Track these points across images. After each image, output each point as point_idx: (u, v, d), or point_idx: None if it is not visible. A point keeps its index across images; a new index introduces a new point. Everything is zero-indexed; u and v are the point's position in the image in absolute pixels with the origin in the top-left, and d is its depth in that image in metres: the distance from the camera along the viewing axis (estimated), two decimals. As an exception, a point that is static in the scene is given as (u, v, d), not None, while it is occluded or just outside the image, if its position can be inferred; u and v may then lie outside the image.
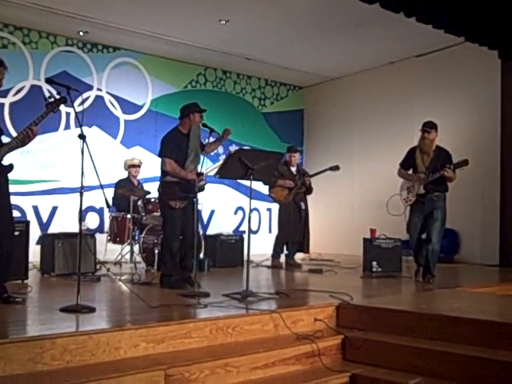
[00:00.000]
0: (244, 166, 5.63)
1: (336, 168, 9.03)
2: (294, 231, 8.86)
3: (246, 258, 5.81)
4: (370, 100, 12.00)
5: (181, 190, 6.20)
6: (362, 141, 12.07)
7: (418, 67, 11.08)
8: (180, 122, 6.53)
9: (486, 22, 7.29)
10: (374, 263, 7.93)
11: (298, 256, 9.42)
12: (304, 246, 9.01)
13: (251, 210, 5.87)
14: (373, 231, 8.36)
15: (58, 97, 4.99)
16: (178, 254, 6.26)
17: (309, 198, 9.22)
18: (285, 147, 9.56)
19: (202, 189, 6.41)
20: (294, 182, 8.85)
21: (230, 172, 5.89)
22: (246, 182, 6.03)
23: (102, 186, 4.92)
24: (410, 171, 7.42)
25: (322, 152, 12.44)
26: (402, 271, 7.96)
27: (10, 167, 5.02)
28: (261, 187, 9.56)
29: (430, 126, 7.18)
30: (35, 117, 4.96)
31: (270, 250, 9.09)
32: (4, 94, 9.24)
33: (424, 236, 7.19)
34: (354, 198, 11.87)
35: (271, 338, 4.74)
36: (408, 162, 7.49)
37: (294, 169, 9.08)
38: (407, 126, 11.25)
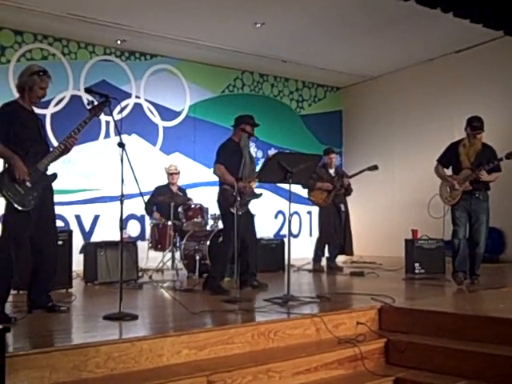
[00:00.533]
0: (283, 170, 5.64)
1: (374, 168, 8.98)
2: (334, 234, 8.85)
3: (286, 262, 5.83)
4: (409, 98, 11.92)
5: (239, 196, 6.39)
6: (402, 140, 11.98)
7: (457, 63, 10.97)
8: (233, 132, 6.81)
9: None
10: (417, 265, 7.87)
11: (340, 259, 9.39)
12: (345, 249, 8.99)
13: (291, 214, 5.89)
14: (415, 232, 8.30)
15: (100, 100, 5.06)
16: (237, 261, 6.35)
17: (349, 199, 9.20)
18: (323, 149, 9.54)
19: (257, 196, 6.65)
20: (333, 184, 8.84)
21: (270, 176, 5.92)
22: (286, 186, 6.05)
23: (142, 194, 4.99)
24: (449, 170, 7.20)
25: (362, 153, 12.38)
26: (445, 272, 7.86)
27: (54, 176, 5.13)
28: (300, 190, 9.55)
29: (481, 127, 6.90)
30: (78, 123, 5.06)
31: (310, 254, 9.09)
32: (45, 105, 9.44)
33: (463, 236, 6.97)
34: (395, 198, 11.78)
35: (313, 342, 4.73)
36: (448, 158, 7.16)
37: (332, 171, 9.07)
38: (447, 124, 11.14)
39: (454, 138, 10.92)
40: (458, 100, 11.00)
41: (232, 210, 6.22)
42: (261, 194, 6.76)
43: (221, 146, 6.73)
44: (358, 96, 13.00)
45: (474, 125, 6.81)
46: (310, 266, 8.93)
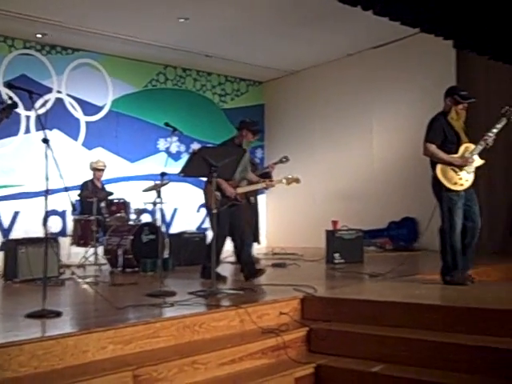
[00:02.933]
0: (207, 164, 5.64)
1: (286, 159, 8.86)
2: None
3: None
4: (329, 92, 12.11)
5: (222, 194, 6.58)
6: (323, 133, 12.17)
7: (376, 58, 11.23)
8: (236, 134, 6.93)
9: (440, 12, 7.41)
10: (337, 255, 8.04)
11: (262, 250, 9.46)
12: (256, 238, 8.96)
13: (214, 207, 5.90)
14: (335, 223, 8.46)
15: (9, 102, 4.89)
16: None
17: (271, 192, 9.25)
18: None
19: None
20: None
21: (194, 170, 5.91)
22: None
23: (67, 189, 4.90)
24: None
25: (283, 146, 12.49)
26: (363, 261, 8.06)
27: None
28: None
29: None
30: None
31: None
32: (-39, 99, 9.13)
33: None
34: (316, 190, 11.96)
35: (238, 333, 4.77)
36: (442, 135, 5.97)
37: None
38: (367, 116, 11.43)
39: (372, 131, 11.32)
40: (377, 95, 11.27)
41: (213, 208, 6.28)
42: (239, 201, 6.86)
43: (222, 143, 6.98)
44: (280, 90, 13.13)
45: (463, 94, 6.01)
46: (233, 259, 8.94)
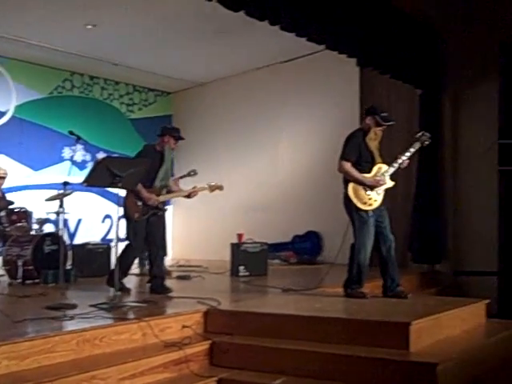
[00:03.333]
0: (111, 174, 5.55)
1: (194, 173, 8.83)
2: None
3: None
4: (238, 105, 12.17)
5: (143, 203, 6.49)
6: (230, 146, 12.20)
7: (284, 73, 11.37)
8: (158, 141, 6.83)
9: (344, 30, 7.63)
10: (241, 267, 8.09)
11: (165, 263, 9.35)
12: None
13: (119, 218, 5.83)
14: (240, 236, 8.50)
15: None
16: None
17: (177, 203, 9.19)
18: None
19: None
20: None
21: (98, 180, 5.78)
22: (114, 190, 5.97)
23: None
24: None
25: (191, 158, 12.43)
26: (267, 274, 8.14)
27: None
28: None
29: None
30: None
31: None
32: None
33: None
34: (223, 203, 11.92)
35: (139, 347, 4.71)
36: (357, 154, 6.08)
37: None
38: (274, 130, 11.56)
39: (278, 145, 11.46)
40: (284, 109, 11.42)
41: (134, 216, 6.36)
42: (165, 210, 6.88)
43: (141, 151, 6.78)
44: (188, 101, 13.09)
45: (384, 115, 6.13)
46: (138, 271, 8.82)
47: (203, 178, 9.14)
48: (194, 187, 6.96)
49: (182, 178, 8.77)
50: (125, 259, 6.43)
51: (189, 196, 6.90)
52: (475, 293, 7.96)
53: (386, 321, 4.88)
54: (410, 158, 6.28)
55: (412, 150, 6.24)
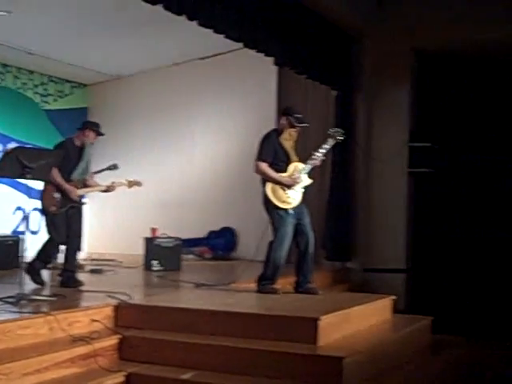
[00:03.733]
0: (21, 165, 5.38)
1: (114, 167, 8.65)
2: None
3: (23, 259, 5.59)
4: (156, 100, 12.01)
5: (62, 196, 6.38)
6: (147, 140, 12.04)
7: (202, 70, 11.30)
8: (76, 134, 6.71)
9: (262, 29, 7.66)
10: (155, 262, 8.02)
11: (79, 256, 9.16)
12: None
13: (32, 210, 5.71)
14: (154, 230, 8.42)
15: None
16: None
17: (91, 197, 9.00)
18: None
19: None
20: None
21: (6, 170, 5.59)
22: (27, 181, 5.80)
23: None
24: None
25: (108, 151, 12.18)
26: (180, 269, 8.10)
27: None
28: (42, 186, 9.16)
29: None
30: None
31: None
32: None
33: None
34: (139, 197, 11.76)
35: (46, 341, 4.57)
36: (273, 154, 6.13)
37: None
38: (191, 126, 11.50)
39: (195, 141, 11.41)
40: (202, 106, 11.37)
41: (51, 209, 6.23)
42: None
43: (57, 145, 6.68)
44: (106, 94, 12.84)
45: (298, 117, 6.18)
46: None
47: (119, 173, 9.02)
48: (113, 182, 6.86)
49: (101, 171, 8.53)
50: (45, 252, 6.35)
51: (107, 190, 6.82)
52: (384, 289, 8.15)
53: (295, 316, 4.94)
54: (325, 155, 6.36)
55: (326, 146, 6.33)
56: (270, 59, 8.47)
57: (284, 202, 6.06)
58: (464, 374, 5.76)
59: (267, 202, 6.11)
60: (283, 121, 6.24)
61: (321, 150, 6.27)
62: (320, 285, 6.89)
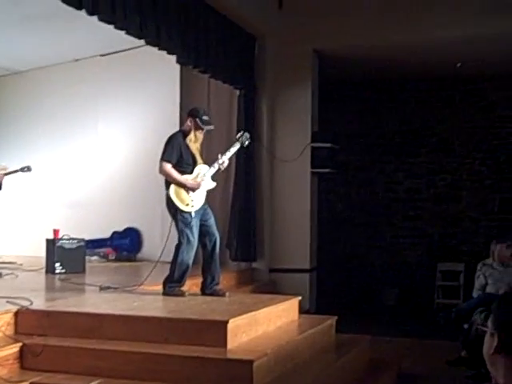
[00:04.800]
0: None
1: (28, 169, 8.27)
2: None
3: None
4: (56, 97, 11.60)
5: None
6: (48, 138, 11.63)
7: (104, 67, 11.03)
8: None
9: (164, 26, 7.54)
10: (57, 264, 7.76)
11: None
12: None
13: None
14: (56, 231, 8.15)
15: None
16: None
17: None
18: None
19: None
20: None
21: None
22: None
23: None
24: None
25: (9, 148, 11.70)
26: (85, 271, 7.89)
27: None
28: None
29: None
30: None
31: None
32: None
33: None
34: (40, 196, 11.41)
35: None
36: (177, 155, 6.03)
37: None
38: (93, 123, 11.20)
39: (97, 140, 11.14)
40: (104, 104, 11.11)
41: None
42: None
43: None
44: (3, 90, 12.31)
45: (205, 119, 6.11)
46: None
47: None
48: None
49: (13, 172, 8.11)
50: None
51: None
52: (290, 289, 8.30)
53: (203, 319, 4.91)
54: (229, 159, 6.35)
55: (232, 150, 6.32)
56: (173, 57, 8.37)
57: (188, 204, 5.98)
58: (367, 372, 5.93)
59: (170, 205, 6.01)
60: (189, 122, 6.15)
61: (226, 154, 6.25)
62: (226, 285, 6.90)
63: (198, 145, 6.19)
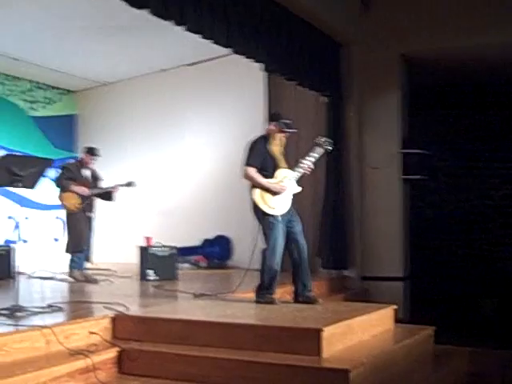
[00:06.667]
0: (10, 173, 5.27)
1: (130, 184, 8.36)
2: (83, 242, 8.13)
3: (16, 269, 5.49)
4: (144, 107, 11.92)
5: None
6: (138, 147, 11.94)
7: (190, 76, 11.24)
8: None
9: (251, 34, 7.59)
10: (151, 271, 7.92)
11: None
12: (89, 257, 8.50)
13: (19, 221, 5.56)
14: (148, 239, 8.32)
15: None
16: None
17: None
18: (58, 153, 9.10)
19: None
20: (88, 188, 8.13)
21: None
22: (18, 190, 5.70)
23: None
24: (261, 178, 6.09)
25: (98, 159, 12.06)
26: (177, 278, 8.02)
27: None
28: (34, 195, 9.04)
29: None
30: None
31: (46, 260, 8.61)
32: None
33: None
34: (131, 204, 11.68)
35: (43, 355, 4.46)
36: (261, 160, 6.06)
37: (88, 172, 8.32)
38: (181, 133, 11.42)
39: (185, 148, 11.31)
40: (189, 112, 11.29)
41: None
42: None
43: None
44: (94, 101, 12.73)
45: (287, 122, 6.16)
46: (41, 273, 8.43)
47: (111, 180, 8.92)
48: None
49: (121, 186, 8.38)
50: None
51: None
52: (383, 298, 8.15)
53: (297, 327, 4.86)
54: (314, 164, 6.29)
55: (314, 154, 6.27)
56: (259, 66, 8.40)
57: (272, 208, 5.99)
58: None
59: (256, 209, 6.03)
60: (271, 126, 6.20)
61: (308, 158, 6.22)
62: (317, 293, 6.82)
63: (281, 149, 6.20)
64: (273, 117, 6.31)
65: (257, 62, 8.10)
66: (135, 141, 12.00)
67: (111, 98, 12.43)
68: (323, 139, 6.41)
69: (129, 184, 8.32)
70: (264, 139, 6.17)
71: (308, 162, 6.18)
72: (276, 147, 6.14)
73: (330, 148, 6.46)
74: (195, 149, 11.31)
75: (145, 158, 11.81)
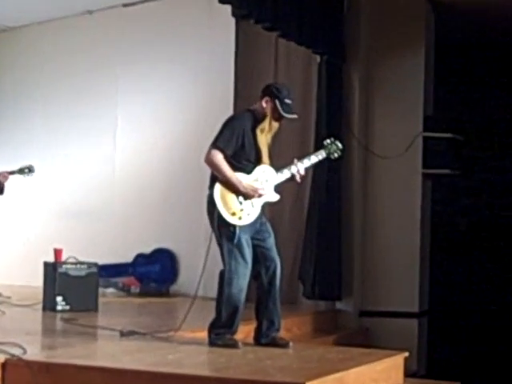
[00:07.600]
0: None
1: (29, 170, 8.19)
2: None
3: None
4: (61, 60, 11.85)
5: None
6: (47, 122, 11.88)
7: (126, 20, 11.22)
8: None
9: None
10: (59, 298, 7.89)
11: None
12: None
13: None
14: (58, 252, 8.28)
15: None
16: None
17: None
18: None
19: None
20: None
21: None
22: None
23: None
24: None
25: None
26: (97, 310, 8.01)
27: None
28: None
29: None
30: None
31: None
32: None
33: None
34: (34, 206, 11.64)
35: None
36: (235, 146, 5.96)
37: None
38: (111, 106, 11.35)
39: (116, 125, 11.28)
40: (126, 72, 11.25)
41: None
42: None
43: None
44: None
45: (288, 102, 6.04)
46: None
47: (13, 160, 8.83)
48: None
49: (11, 173, 8.26)
50: None
51: None
52: (389, 341, 8.22)
53: (268, 381, 4.88)
54: (306, 170, 6.29)
55: (314, 158, 6.31)
56: (221, 8, 8.36)
57: (234, 214, 5.88)
58: None
59: (212, 209, 5.93)
60: (265, 103, 6.09)
61: (305, 161, 6.23)
62: (297, 334, 6.90)
63: (269, 137, 6.13)
64: (269, 90, 6.13)
65: (221, 2, 8.08)
66: (46, 111, 11.92)
67: (15, 47, 12.34)
68: (331, 142, 6.47)
69: (24, 170, 8.16)
70: (250, 117, 6.10)
71: (301, 166, 6.17)
72: (263, 134, 6.06)
73: (337, 155, 6.51)
74: (129, 123, 11.27)
75: (54, 135, 11.73)
